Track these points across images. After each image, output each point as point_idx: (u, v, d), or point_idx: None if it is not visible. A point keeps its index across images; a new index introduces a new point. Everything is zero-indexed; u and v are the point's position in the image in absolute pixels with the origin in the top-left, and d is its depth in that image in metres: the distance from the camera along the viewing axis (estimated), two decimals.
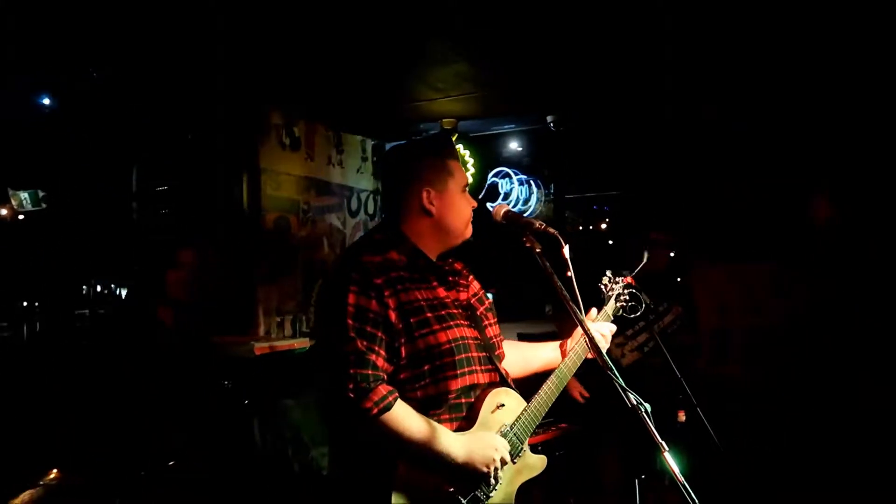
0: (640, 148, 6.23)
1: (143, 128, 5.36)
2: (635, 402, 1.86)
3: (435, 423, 1.95)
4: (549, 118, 5.39)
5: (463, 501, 1.97)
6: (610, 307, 2.45)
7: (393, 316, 1.96)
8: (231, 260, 4.72)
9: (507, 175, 6.27)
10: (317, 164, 5.36)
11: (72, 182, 6.38)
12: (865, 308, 4.99)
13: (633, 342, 3.84)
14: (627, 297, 2.47)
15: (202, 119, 5.02)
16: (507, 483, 2.08)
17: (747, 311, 5.54)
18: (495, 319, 2.31)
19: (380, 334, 1.94)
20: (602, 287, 2.48)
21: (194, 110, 4.95)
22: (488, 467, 1.98)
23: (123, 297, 6.86)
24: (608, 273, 2.49)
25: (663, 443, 1.79)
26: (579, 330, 2.34)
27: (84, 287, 6.94)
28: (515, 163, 6.43)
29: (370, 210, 5.92)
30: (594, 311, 2.42)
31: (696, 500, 1.70)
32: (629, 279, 2.49)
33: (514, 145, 6.25)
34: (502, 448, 2.02)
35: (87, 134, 5.42)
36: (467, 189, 2.23)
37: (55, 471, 1.79)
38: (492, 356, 2.17)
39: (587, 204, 7.66)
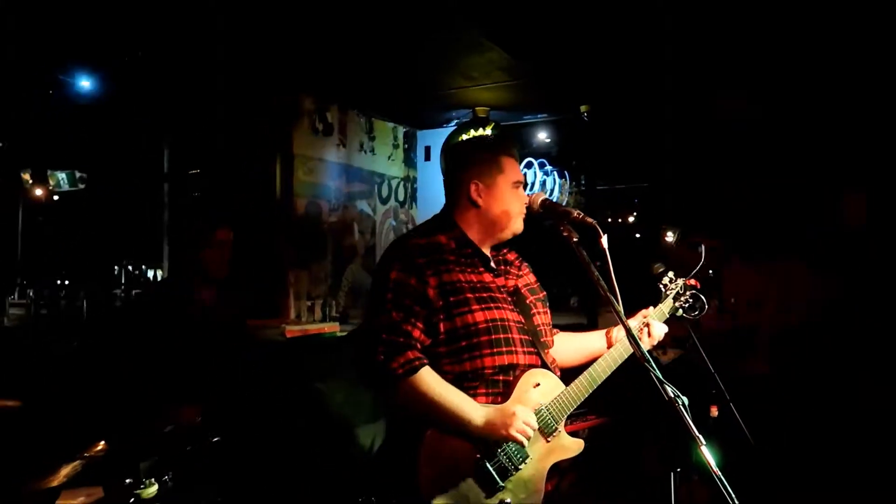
0: (673, 141, 6.18)
1: (178, 114, 5.43)
2: (672, 395, 1.86)
3: (461, 392, 2.02)
4: (581, 108, 5.35)
5: (490, 469, 2.02)
6: (666, 305, 2.43)
7: (432, 293, 2.06)
8: (263, 243, 4.77)
9: (532, 164, 6.24)
10: (349, 150, 5.38)
11: (105, 165, 6.49)
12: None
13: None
14: (689, 298, 2.45)
15: (237, 104, 5.06)
16: (538, 459, 2.11)
17: (778, 309, 5.49)
18: (545, 310, 2.35)
19: (417, 308, 2.04)
20: (661, 286, 2.47)
21: (229, 96, 4.99)
22: (510, 438, 2.02)
23: (158, 278, 6.96)
24: (670, 273, 2.48)
25: (700, 436, 1.78)
26: (631, 321, 2.36)
27: (115, 268, 7.06)
28: (544, 153, 6.40)
29: (400, 197, 5.94)
30: (651, 308, 2.41)
31: (733, 495, 1.70)
32: (693, 281, 2.47)
33: (544, 135, 6.22)
34: (523, 422, 2.04)
35: (122, 118, 5.51)
36: (520, 186, 2.27)
37: (102, 443, 1.83)
38: (536, 341, 2.21)
39: (616, 196, 7.60)
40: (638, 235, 8.74)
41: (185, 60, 4.41)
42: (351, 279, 5.30)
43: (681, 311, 2.46)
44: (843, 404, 4.56)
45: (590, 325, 5.90)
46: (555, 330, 2.47)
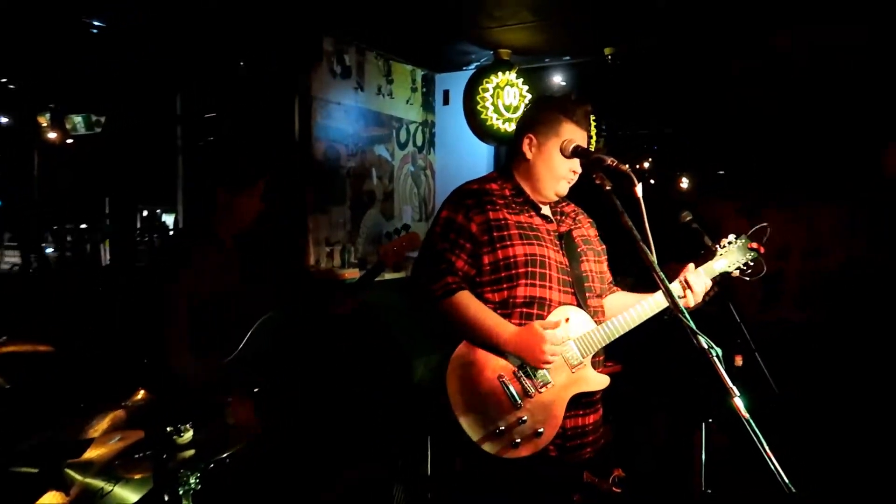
0: (700, 85, 6.01)
1: (192, 55, 5.31)
2: (706, 346, 1.86)
3: (493, 313, 2.24)
4: (606, 51, 5.19)
5: (510, 388, 2.18)
6: (718, 265, 2.44)
7: (475, 228, 2.30)
8: (282, 188, 4.72)
9: None
10: (366, 93, 5.28)
11: (118, 107, 6.41)
12: None
13: None
14: (749, 261, 2.47)
15: (254, 46, 4.95)
16: (560, 387, 2.22)
17: (807, 254, 5.44)
18: (599, 261, 2.50)
19: (461, 241, 2.30)
20: (717, 246, 2.48)
21: (246, 37, 4.87)
22: (533, 359, 2.16)
23: (171, 223, 6.99)
24: (732, 235, 2.49)
25: (734, 387, 1.78)
26: (684, 273, 2.40)
27: (142, 212, 7.09)
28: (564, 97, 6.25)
29: (419, 142, 5.85)
30: (691, 265, 2.43)
31: (765, 444, 1.72)
32: (758, 245, 2.48)
33: (564, 79, 6.06)
34: (550, 345, 2.16)
35: (135, 58, 5.40)
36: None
37: (142, 392, 1.84)
38: (576, 284, 2.33)
39: (637, 142, 7.47)
40: (652, 182, 8.62)
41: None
42: (370, 225, 5.28)
43: (737, 272, 2.50)
44: (872, 354, 4.54)
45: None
46: (615, 288, 2.56)
